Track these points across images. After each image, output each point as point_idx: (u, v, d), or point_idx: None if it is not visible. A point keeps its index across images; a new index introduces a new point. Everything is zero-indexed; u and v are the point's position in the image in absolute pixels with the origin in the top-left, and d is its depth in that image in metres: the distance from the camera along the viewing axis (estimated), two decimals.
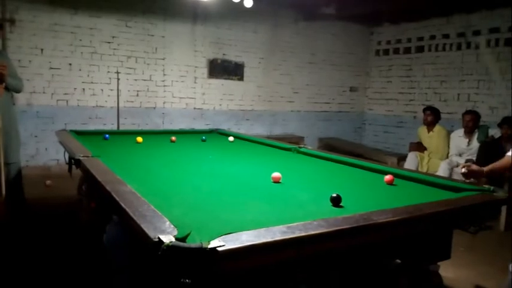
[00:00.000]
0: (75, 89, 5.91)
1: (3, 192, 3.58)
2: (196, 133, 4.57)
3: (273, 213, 1.62)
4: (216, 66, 6.88)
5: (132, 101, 6.30)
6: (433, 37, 7.09)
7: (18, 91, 3.85)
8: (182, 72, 6.65)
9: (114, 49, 6.10)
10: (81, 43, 5.87)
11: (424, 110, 5.62)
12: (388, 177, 2.29)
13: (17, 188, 3.80)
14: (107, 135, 3.76)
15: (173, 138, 3.77)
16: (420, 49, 7.33)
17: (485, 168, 2.57)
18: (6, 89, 3.65)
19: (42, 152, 5.80)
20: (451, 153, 5.22)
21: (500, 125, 4.65)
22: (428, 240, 1.92)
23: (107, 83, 6.09)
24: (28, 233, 3.46)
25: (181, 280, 1.09)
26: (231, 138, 4.05)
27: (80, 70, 5.91)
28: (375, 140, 8.23)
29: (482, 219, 3.60)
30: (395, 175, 2.36)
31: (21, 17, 5.46)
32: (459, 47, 6.70)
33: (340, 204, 1.73)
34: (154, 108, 6.49)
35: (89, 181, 2.54)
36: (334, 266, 1.58)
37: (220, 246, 1.12)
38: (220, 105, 7.04)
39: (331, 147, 7.08)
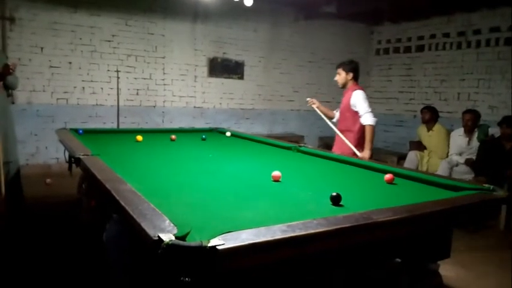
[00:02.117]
0: (75, 87, 5.91)
1: (3, 191, 3.59)
2: (196, 132, 4.56)
3: (273, 212, 1.62)
4: (216, 65, 6.87)
5: (132, 100, 6.30)
6: (433, 36, 7.09)
7: (14, 88, 3.90)
8: (182, 71, 6.65)
9: (114, 48, 6.10)
10: (81, 42, 5.86)
11: (422, 109, 5.65)
12: (388, 176, 2.29)
13: (16, 186, 3.81)
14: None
15: (173, 136, 3.77)
16: (420, 48, 7.33)
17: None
18: (5, 86, 3.66)
19: (42, 150, 5.79)
20: (451, 152, 5.22)
21: (500, 124, 4.64)
22: (428, 239, 1.92)
23: (107, 82, 6.08)
24: (28, 231, 3.46)
25: (181, 279, 1.09)
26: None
27: (80, 69, 5.91)
28: (375, 138, 8.14)
29: (482, 218, 3.60)
30: (395, 174, 2.36)
31: (21, 15, 5.45)
32: (459, 46, 6.70)
33: (340, 203, 1.73)
34: (154, 107, 6.49)
35: (89, 180, 2.53)
36: (334, 265, 1.58)
37: (220, 244, 1.12)
38: (220, 104, 7.04)
39: (331, 146, 7.07)
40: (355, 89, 3.79)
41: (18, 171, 3.87)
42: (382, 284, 1.92)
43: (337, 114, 4.13)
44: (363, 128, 3.74)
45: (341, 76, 3.85)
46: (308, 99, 4.17)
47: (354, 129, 3.81)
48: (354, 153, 3.64)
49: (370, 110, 3.72)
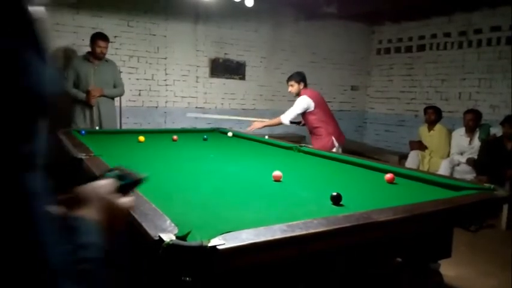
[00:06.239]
0: None
1: None
2: (198, 132, 4.58)
3: (274, 212, 1.62)
4: (217, 66, 6.88)
5: (134, 101, 6.31)
6: (434, 36, 7.08)
7: (117, 96, 5.14)
8: (184, 72, 6.66)
9: (116, 49, 6.11)
10: (83, 43, 5.87)
11: (427, 109, 5.64)
12: (388, 175, 2.30)
13: None
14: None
15: (175, 137, 3.78)
16: (421, 48, 7.32)
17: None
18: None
19: None
20: (452, 152, 5.22)
21: (502, 124, 4.64)
22: (429, 238, 1.92)
23: None
24: None
25: (182, 278, 1.10)
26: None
27: None
28: (376, 138, 8.22)
29: (483, 217, 3.60)
30: (396, 174, 2.36)
31: None
32: (460, 46, 6.69)
33: (341, 203, 1.74)
34: (156, 107, 6.50)
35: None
36: (334, 264, 1.58)
37: (220, 244, 1.13)
38: (222, 104, 7.05)
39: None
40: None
41: None
42: (383, 283, 1.93)
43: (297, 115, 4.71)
44: None
45: (294, 87, 4.60)
46: (248, 129, 4.77)
47: None
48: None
49: None
